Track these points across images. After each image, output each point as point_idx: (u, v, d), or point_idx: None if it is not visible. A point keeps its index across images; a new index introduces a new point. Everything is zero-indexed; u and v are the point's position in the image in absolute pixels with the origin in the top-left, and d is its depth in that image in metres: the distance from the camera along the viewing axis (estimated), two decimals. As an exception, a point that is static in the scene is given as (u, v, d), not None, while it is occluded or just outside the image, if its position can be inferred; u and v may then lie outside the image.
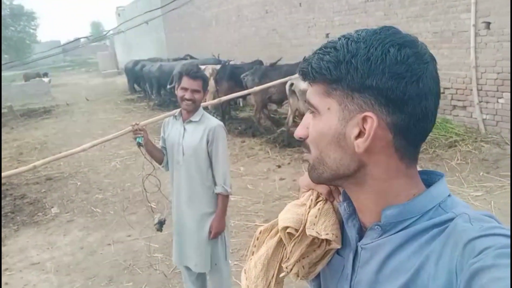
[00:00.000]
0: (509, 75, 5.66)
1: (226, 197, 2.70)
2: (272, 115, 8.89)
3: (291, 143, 7.14)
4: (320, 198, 0.82)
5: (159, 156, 2.79)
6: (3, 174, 2.23)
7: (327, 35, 8.96)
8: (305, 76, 0.72)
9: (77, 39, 15.37)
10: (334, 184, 0.79)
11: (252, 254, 0.87)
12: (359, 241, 0.77)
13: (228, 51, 12.47)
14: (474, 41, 5.98)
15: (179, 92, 2.60)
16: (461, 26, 6.13)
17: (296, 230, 0.78)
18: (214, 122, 2.68)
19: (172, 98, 12.62)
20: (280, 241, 0.83)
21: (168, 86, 11.64)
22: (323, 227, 0.77)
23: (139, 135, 2.62)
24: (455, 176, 5.08)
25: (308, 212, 0.79)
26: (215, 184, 2.68)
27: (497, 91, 5.88)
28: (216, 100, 4.39)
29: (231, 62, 10.33)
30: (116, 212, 5.32)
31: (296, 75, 6.75)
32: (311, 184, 0.82)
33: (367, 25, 7.45)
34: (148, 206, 5.18)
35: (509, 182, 4.80)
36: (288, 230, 0.79)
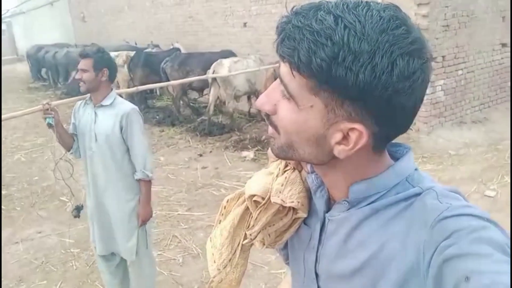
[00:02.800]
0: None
1: (148, 182, 2.60)
2: (191, 104, 8.75)
3: (212, 131, 7.10)
4: (288, 167, 0.81)
5: (68, 141, 2.61)
6: None
7: (244, 24, 9.01)
8: (288, 62, 0.61)
9: (-33, 20, 13.64)
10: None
11: (219, 223, 0.86)
12: (327, 212, 0.76)
13: (143, 38, 11.98)
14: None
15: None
16: None
17: (263, 198, 0.78)
18: (127, 106, 2.54)
19: (82, 87, 11.84)
20: (246, 209, 0.82)
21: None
22: (288, 195, 0.77)
23: (50, 115, 2.42)
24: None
25: (275, 181, 0.79)
26: (134, 170, 2.58)
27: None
28: (134, 89, 4.18)
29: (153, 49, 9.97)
30: (23, 209, 4.88)
31: (216, 64, 6.72)
32: None
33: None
34: (62, 199, 4.86)
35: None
36: (254, 198, 0.78)
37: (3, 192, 5.37)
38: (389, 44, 0.56)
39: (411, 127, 5.88)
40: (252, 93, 7.32)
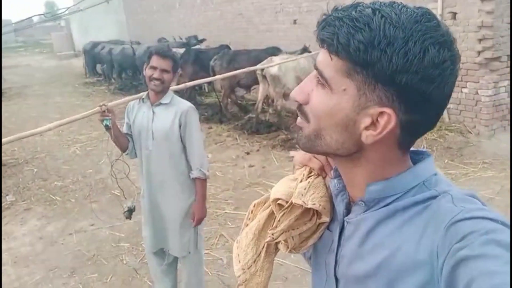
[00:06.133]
0: (474, 65, 5.81)
1: (204, 181, 2.59)
2: (239, 101, 8.75)
3: (260, 130, 7.05)
4: (312, 173, 0.84)
5: (123, 142, 2.60)
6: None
7: (294, 21, 8.88)
8: (327, 46, 0.65)
9: (30, 18, 14.34)
10: (325, 156, 0.81)
11: (246, 226, 0.89)
12: (347, 215, 0.78)
13: (193, 35, 12.14)
14: (441, 31, 6.07)
15: (147, 71, 2.45)
16: (428, 15, 6.21)
17: (287, 202, 0.80)
18: (185, 104, 2.54)
19: (134, 82, 12.19)
20: (272, 213, 0.84)
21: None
22: (310, 198, 0.79)
23: (107, 117, 2.41)
24: (421, 164, 5.17)
25: (299, 185, 0.81)
26: (190, 168, 2.55)
27: (461, 81, 6.02)
28: (182, 85, 4.18)
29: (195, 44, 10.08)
30: (77, 200, 5.05)
31: (266, 62, 6.65)
32: (305, 160, 0.85)
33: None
34: (114, 193, 4.99)
35: (473, 169, 4.95)
36: (278, 202, 0.81)
37: (59, 183, 5.60)
38: (422, 33, 0.61)
39: (471, 130, 5.54)
40: (301, 92, 7.20)
